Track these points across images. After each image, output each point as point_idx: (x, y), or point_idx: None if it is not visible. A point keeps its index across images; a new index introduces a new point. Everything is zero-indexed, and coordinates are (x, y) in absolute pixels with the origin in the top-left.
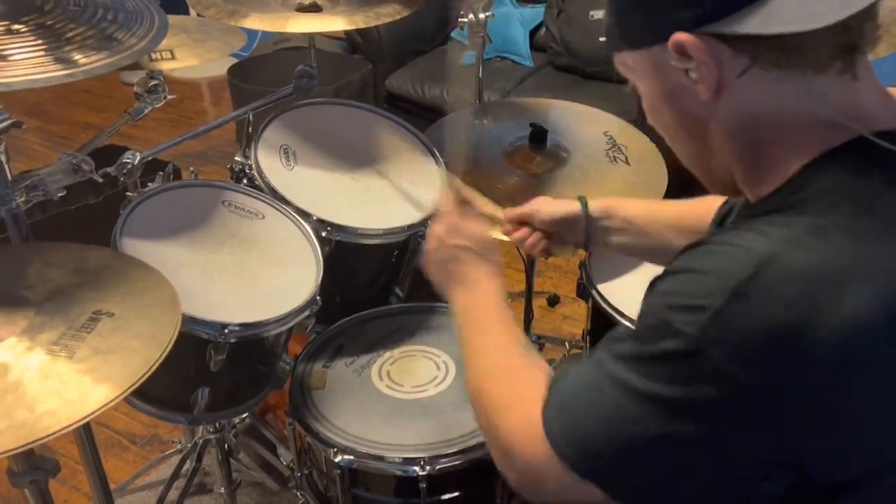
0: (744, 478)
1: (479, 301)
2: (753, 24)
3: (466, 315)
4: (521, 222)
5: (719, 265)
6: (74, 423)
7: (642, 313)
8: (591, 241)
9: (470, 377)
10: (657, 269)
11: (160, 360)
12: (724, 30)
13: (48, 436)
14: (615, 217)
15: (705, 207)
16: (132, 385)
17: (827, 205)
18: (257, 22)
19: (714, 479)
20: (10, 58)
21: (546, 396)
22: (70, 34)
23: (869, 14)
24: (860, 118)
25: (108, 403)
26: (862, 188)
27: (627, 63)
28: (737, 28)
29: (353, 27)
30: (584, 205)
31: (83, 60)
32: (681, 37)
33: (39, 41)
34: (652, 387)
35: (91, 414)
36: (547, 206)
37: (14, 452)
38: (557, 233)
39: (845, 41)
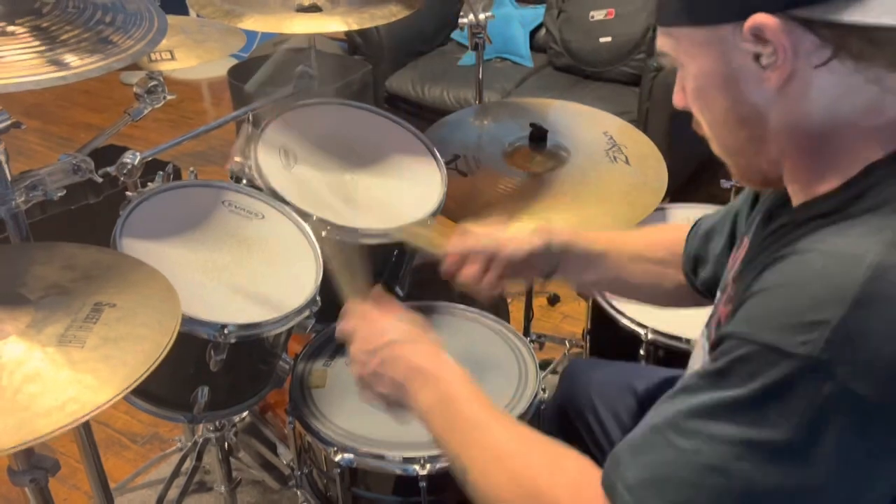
0: None
1: (452, 393)
2: (853, 12)
3: (445, 413)
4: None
5: (823, 275)
6: (104, 404)
7: (724, 349)
8: (552, 276)
9: (478, 473)
10: None
11: (171, 343)
12: (815, 15)
13: (77, 420)
14: (579, 252)
15: (678, 237)
16: (153, 363)
17: None
18: (255, 23)
19: None
20: (3, 59)
21: (607, 479)
22: (65, 36)
23: None
24: None
25: (133, 383)
26: None
27: (681, 39)
28: (831, 15)
29: (351, 28)
30: (547, 243)
31: (76, 63)
32: (763, 18)
33: (33, 43)
34: (764, 434)
35: (119, 394)
36: (511, 245)
37: (55, 435)
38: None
39: None
